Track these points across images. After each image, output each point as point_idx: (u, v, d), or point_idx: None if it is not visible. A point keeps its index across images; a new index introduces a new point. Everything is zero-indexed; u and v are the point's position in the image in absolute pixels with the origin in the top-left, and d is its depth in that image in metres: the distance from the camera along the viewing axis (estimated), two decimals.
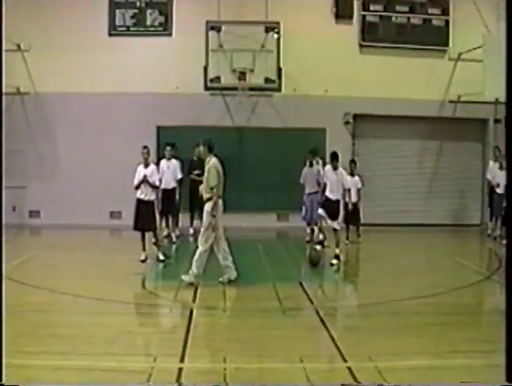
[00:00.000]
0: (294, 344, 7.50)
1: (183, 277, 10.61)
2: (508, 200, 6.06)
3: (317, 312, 8.97)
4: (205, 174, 10.95)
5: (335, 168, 12.84)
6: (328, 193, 12.99)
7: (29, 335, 7.95)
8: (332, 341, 7.52)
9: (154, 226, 12.98)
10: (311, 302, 9.60)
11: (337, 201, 12.98)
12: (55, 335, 7.98)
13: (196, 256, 10.69)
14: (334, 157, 12.90)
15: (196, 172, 16.21)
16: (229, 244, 11.25)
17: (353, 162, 15.65)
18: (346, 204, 13.90)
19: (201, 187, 11.08)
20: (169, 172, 14.99)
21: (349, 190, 14.06)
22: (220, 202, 10.94)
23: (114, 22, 18.67)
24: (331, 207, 12.87)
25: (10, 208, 18.07)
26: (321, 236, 13.61)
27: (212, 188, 10.73)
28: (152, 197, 12.83)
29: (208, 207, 10.76)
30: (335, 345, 7.33)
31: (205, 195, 10.86)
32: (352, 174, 15.10)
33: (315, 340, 7.78)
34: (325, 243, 13.80)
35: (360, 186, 15.30)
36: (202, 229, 10.87)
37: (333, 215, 12.86)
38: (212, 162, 10.88)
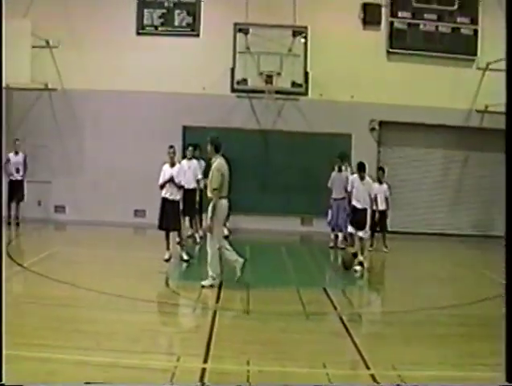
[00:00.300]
0: (317, 349, 7.50)
1: (203, 282, 10.63)
2: (508, 201, 6.02)
3: (340, 318, 8.97)
4: (209, 174, 10.96)
5: (362, 178, 12.84)
6: (354, 202, 12.99)
7: (53, 329, 8.02)
8: (355, 347, 7.50)
9: (178, 226, 13.02)
10: (335, 308, 9.59)
11: (364, 209, 12.97)
12: (78, 331, 8.06)
13: (208, 260, 10.76)
14: (361, 167, 12.90)
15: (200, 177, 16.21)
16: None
17: (381, 169, 15.63)
18: (374, 212, 13.90)
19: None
20: (190, 172, 15.02)
21: (376, 197, 14.10)
22: (225, 202, 10.90)
23: (142, 22, 18.78)
24: (357, 216, 12.86)
25: (36, 203, 18.26)
26: (361, 257, 13.31)
27: (214, 189, 10.69)
28: (177, 197, 12.87)
29: (210, 207, 10.78)
30: (358, 352, 7.31)
31: (209, 196, 10.89)
32: (380, 182, 15.10)
33: (338, 346, 7.77)
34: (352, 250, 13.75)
35: (388, 194, 15.24)
36: (208, 234, 10.96)
37: (360, 225, 12.84)
38: (216, 162, 10.87)
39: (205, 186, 11.93)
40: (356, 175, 13.06)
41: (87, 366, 6.65)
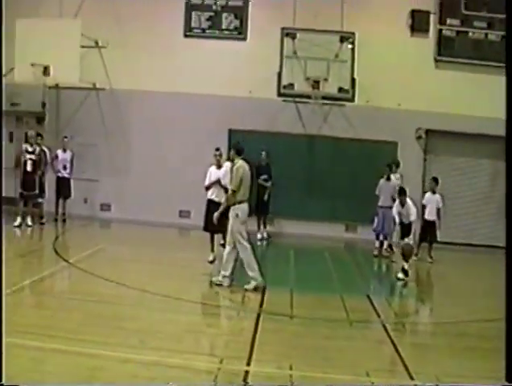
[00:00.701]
0: (360, 357, 7.47)
1: (246, 286, 10.67)
2: (508, 203, 5.95)
3: (384, 326, 8.91)
4: (230, 177, 11.13)
5: (402, 204, 12.87)
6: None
7: (97, 326, 8.17)
8: (398, 357, 7.46)
9: (223, 228, 13.02)
10: (378, 316, 9.54)
11: (409, 223, 12.93)
12: (122, 328, 8.17)
13: (244, 264, 10.80)
14: (402, 192, 12.98)
15: (263, 177, 16.35)
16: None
17: (434, 179, 15.42)
18: (426, 221, 13.98)
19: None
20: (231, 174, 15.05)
21: (424, 206, 14.08)
22: (244, 206, 10.94)
23: (190, 24, 18.88)
24: (404, 228, 12.83)
25: (82, 200, 18.54)
26: (405, 266, 13.18)
27: (234, 191, 10.85)
28: (223, 199, 12.88)
29: (232, 210, 10.90)
30: (401, 361, 7.28)
31: (228, 199, 11.07)
32: (433, 192, 15.01)
33: (381, 354, 7.73)
34: (393, 258, 13.64)
35: (440, 205, 15.07)
36: (233, 237, 10.94)
37: (405, 233, 12.78)
38: (237, 165, 10.95)
39: (226, 190, 12.00)
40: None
41: (131, 363, 6.75)
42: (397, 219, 13.19)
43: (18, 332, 7.42)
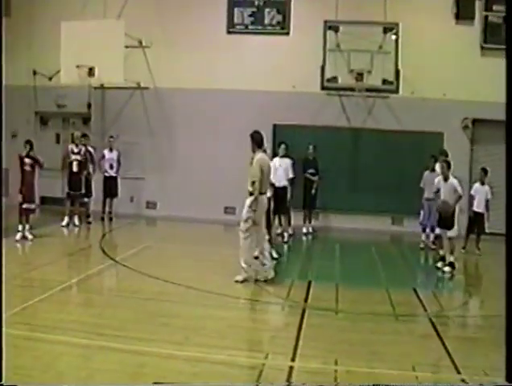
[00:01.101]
0: (406, 351, 7.39)
1: (237, 277, 10.74)
2: (508, 202, 5.79)
3: (430, 320, 8.79)
4: (251, 169, 10.92)
5: (445, 179, 12.53)
6: (439, 201, 12.69)
7: (142, 322, 8.26)
8: (445, 351, 7.36)
9: (268, 223, 13.00)
10: (425, 310, 9.40)
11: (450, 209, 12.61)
12: (168, 325, 8.23)
13: (240, 252, 10.87)
14: (445, 164, 12.64)
15: (310, 171, 16.31)
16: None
17: (483, 170, 15.02)
18: (474, 212, 13.75)
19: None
20: (281, 170, 15.04)
21: (472, 198, 13.81)
22: (264, 197, 10.94)
23: (233, 20, 18.92)
24: (444, 216, 12.53)
25: (129, 199, 18.76)
26: (452, 258, 12.90)
27: (253, 182, 10.73)
28: (268, 194, 12.82)
29: (248, 201, 10.82)
30: (448, 355, 7.17)
31: (249, 190, 10.86)
32: (482, 183, 14.73)
33: (428, 348, 7.61)
34: (440, 251, 13.40)
35: (489, 196, 14.76)
36: (241, 223, 10.98)
37: (447, 224, 12.51)
38: (257, 157, 10.86)
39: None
40: (440, 177, 12.75)
41: (176, 360, 6.80)
42: (434, 188, 12.97)
43: (65, 329, 7.60)
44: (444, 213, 12.32)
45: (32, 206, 14.24)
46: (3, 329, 5.65)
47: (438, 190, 12.71)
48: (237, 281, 10.65)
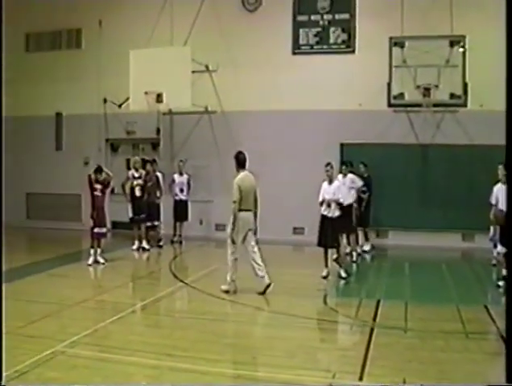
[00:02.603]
0: (477, 369, 7.22)
1: (222, 287, 11.32)
2: (508, 202, 5.59)
3: (502, 337, 8.54)
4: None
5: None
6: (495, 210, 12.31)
7: (211, 343, 8.32)
8: None
9: (337, 242, 12.96)
10: (497, 327, 9.15)
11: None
12: (235, 345, 8.30)
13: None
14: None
15: (363, 189, 15.99)
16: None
17: None
18: None
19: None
20: (345, 188, 14.93)
21: None
22: (246, 214, 11.49)
23: (298, 41, 19.02)
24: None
25: (198, 221, 18.97)
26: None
27: (234, 202, 11.38)
28: (336, 213, 12.77)
29: (230, 219, 11.43)
30: None
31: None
32: None
33: (499, 367, 7.39)
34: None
35: None
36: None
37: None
38: (237, 177, 11.51)
39: (339, 205, 12.35)
40: (500, 184, 12.39)
41: (243, 379, 6.83)
42: (493, 200, 12.54)
43: (135, 350, 7.73)
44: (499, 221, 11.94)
45: (103, 230, 14.53)
46: (3, 329, 5.77)
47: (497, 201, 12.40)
48: (222, 290, 11.27)
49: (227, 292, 11.27)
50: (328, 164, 12.95)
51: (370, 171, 16.59)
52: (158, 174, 17.28)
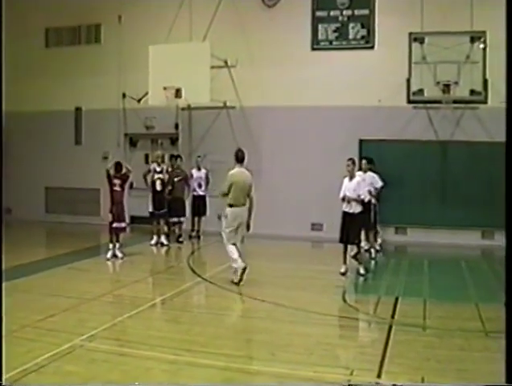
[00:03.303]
0: (497, 368, 7.10)
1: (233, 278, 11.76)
2: (507, 202, 5.53)
3: None
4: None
5: None
6: None
7: (229, 339, 8.38)
8: None
9: (358, 239, 12.95)
10: None
11: None
12: (254, 341, 8.34)
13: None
14: None
15: (380, 185, 15.83)
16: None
17: None
18: None
19: None
20: (364, 184, 14.85)
21: None
22: (235, 210, 11.85)
23: (317, 37, 18.94)
24: None
25: (216, 217, 18.91)
26: None
27: (222, 195, 11.97)
28: (357, 209, 12.72)
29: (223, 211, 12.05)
30: None
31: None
32: None
33: None
34: None
35: None
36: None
37: None
38: (230, 172, 12.00)
39: (360, 201, 12.34)
40: None
41: (262, 376, 6.87)
42: None
43: (153, 345, 7.76)
44: None
45: (122, 224, 14.58)
46: (3, 329, 5.80)
47: None
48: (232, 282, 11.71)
49: (237, 283, 11.54)
50: (350, 159, 12.93)
51: (389, 168, 16.47)
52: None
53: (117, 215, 14.38)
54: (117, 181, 14.40)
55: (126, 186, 14.95)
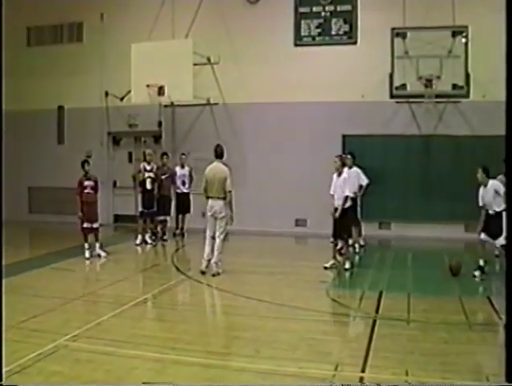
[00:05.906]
0: (481, 361, 7.22)
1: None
2: (508, 202, 5.59)
3: (506, 328, 8.54)
4: None
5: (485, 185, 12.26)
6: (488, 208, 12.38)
7: (214, 336, 8.41)
8: None
9: (346, 233, 13.01)
10: (500, 318, 9.09)
11: (498, 215, 12.19)
12: (239, 338, 8.30)
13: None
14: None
15: (366, 182, 15.85)
16: None
17: None
18: None
19: None
20: (349, 181, 14.88)
21: None
22: (209, 201, 12.55)
23: (300, 33, 18.97)
24: (491, 222, 12.20)
25: (200, 214, 18.86)
26: (481, 262, 12.62)
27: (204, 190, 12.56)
28: (347, 204, 12.79)
29: None
30: None
31: None
32: None
33: (503, 358, 7.39)
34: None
35: None
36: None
37: (497, 232, 12.07)
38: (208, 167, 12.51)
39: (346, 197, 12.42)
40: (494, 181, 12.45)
41: (247, 373, 6.82)
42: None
43: (138, 344, 7.73)
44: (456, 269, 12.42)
45: (94, 225, 14.44)
46: (3, 329, 5.77)
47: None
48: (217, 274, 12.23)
49: (202, 273, 12.27)
50: (338, 156, 13.20)
51: (372, 163, 16.54)
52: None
53: (88, 216, 14.27)
54: (88, 183, 14.33)
55: (99, 188, 14.81)
